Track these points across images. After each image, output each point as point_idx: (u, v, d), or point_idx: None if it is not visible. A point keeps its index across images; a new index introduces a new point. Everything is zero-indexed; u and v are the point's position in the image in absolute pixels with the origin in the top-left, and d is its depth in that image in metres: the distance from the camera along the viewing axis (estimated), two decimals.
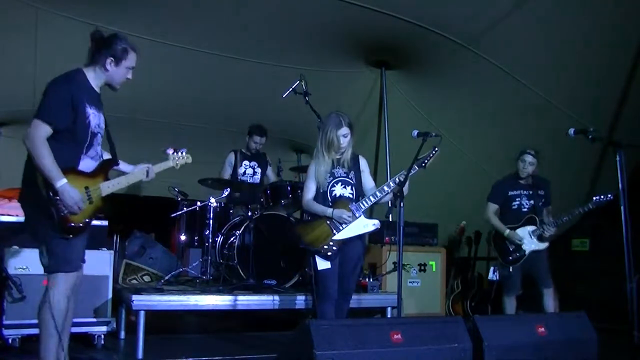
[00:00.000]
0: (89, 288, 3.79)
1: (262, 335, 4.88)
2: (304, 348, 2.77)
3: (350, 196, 3.65)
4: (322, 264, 3.53)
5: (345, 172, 3.68)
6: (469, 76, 5.74)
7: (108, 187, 2.88)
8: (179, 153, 3.28)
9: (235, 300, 4.23)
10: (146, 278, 5.42)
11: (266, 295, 4.36)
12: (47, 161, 2.61)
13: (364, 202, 3.60)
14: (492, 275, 4.82)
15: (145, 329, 3.83)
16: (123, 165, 3.11)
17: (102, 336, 4.09)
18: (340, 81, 6.08)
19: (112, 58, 2.85)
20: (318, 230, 3.58)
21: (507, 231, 4.61)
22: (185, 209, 5.20)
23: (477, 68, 5.47)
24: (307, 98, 4.54)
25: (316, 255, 3.54)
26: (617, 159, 3.33)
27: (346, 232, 3.58)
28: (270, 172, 5.70)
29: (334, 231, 3.56)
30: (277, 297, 4.36)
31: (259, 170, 5.59)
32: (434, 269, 5.73)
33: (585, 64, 5.20)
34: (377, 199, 3.59)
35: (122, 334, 4.45)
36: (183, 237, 5.37)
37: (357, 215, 3.58)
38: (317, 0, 4.76)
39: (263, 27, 5.17)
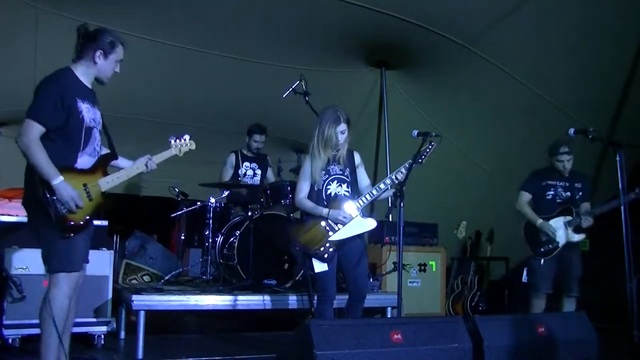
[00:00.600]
0: (89, 288, 3.78)
1: (262, 335, 4.89)
2: (304, 348, 2.77)
3: (346, 194, 3.56)
4: (319, 267, 3.45)
5: (340, 170, 3.59)
6: (469, 76, 5.74)
7: (107, 182, 2.87)
8: (181, 140, 3.26)
9: (235, 300, 4.23)
10: (146, 278, 5.42)
11: (266, 295, 4.36)
12: (41, 160, 2.61)
13: (360, 201, 3.52)
14: (526, 277, 4.42)
15: (145, 329, 3.83)
16: (122, 161, 3.10)
17: (102, 336, 4.09)
18: (340, 81, 6.08)
19: (101, 51, 2.84)
20: (313, 231, 3.49)
21: (540, 221, 4.35)
22: (185, 209, 5.20)
23: (477, 68, 5.47)
24: (307, 98, 4.54)
25: (313, 258, 3.45)
26: (617, 159, 3.33)
27: (343, 233, 3.49)
28: (270, 173, 5.69)
29: (330, 232, 3.48)
30: (277, 297, 4.36)
31: (259, 171, 5.58)
32: (434, 269, 5.72)
33: (586, 64, 5.20)
34: (373, 197, 3.51)
35: (122, 334, 4.44)
36: (183, 237, 5.37)
37: (353, 214, 3.50)
38: (317, 0, 4.76)
39: (263, 27, 5.17)
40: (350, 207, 3.51)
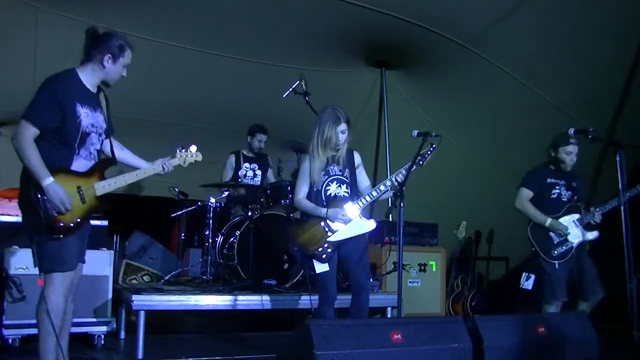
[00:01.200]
0: (89, 288, 3.80)
1: (262, 335, 4.89)
2: (304, 348, 2.77)
3: (346, 195, 3.55)
4: (320, 267, 3.43)
5: (340, 170, 3.57)
6: (469, 76, 5.74)
7: (104, 186, 2.85)
8: (187, 151, 3.24)
9: (235, 300, 4.23)
10: (146, 278, 5.43)
11: (266, 295, 4.36)
12: (34, 161, 2.61)
13: (360, 201, 3.50)
14: (526, 282, 4.10)
15: (145, 329, 3.83)
16: (137, 161, 3.09)
17: (102, 336, 4.09)
18: (340, 81, 6.08)
19: (110, 55, 2.84)
20: (312, 231, 3.47)
21: (549, 220, 4.01)
22: (185, 209, 5.20)
23: (477, 68, 5.47)
24: (307, 98, 4.54)
25: (313, 259, 3.44)
26: (617, 159, 3.33)
27: (342, 233, 3.48)
28: (270, 174, 5.68)
29: (329, 233, 3.46)
30: (277, 297, 4.36)
31: (259, 172, 5.56)
32: (434, 269, 5.72)
33: (585, 64, 5.20)
34: (373, 198, 3.50)
35: (122, 334, 4.45)
36: (183, 237, 5.37)
37: (353, 216, 3.48)
38: (317, 0, 4.76)
39: (263, 27, 5.17)
40: (350, 208, 3.49)
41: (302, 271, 4.77)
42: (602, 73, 5.26)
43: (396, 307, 3.59)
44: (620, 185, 3.28)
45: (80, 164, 2.81)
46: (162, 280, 4.87)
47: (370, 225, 3.54)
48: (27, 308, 3.72)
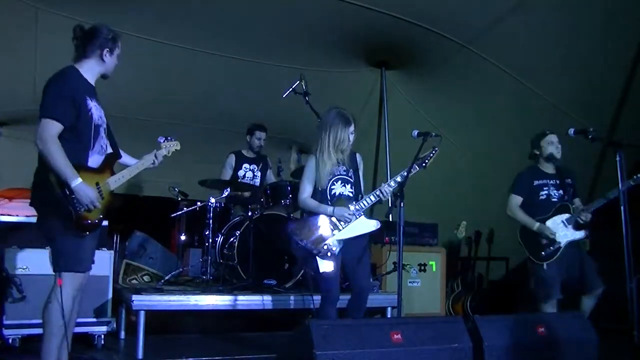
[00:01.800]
0: (89, 288, 3.73)
1: (262, 335, 4.89)
2: (304, 348, 2.77)
3: (350, 194, 3.59)
4: (325, 266, 3.44)
5: (345, 170, 3.61)
6: (469, 76, 5.74)
7: (115, 181, 2.91)
8: (169, 141, 3.33)
9: (235, 300, 4.23)
10: (146, 278, 5.43)
11: (266, 295, 4.36)
12: (60, 161, 2.62)
13: (364, 201, 3.53)
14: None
15: (145, 329, 3.83)
16: (127, 158, 3.15)
17: (102, 336, 4.09)
18: (340, 81, 6.08)
19: (107, 49, 2.89)
20: (317, 229, 3.49)
21: (537, 224, 4.10)
22: (185, 209, 5.20)
23: (477, 68, 5.47)
24: (307, 98, 4.54)
25: (317, 257, 3.45)
26: (617, 159, 3.33)
27: (346, 232, 3.50)
28: (270, 174, 5.68)
29: (334, 230, 3.49)
30: (277, 297, 4.36)
31: (259, 173, 5.56)
32: (434, 269, 5.72)
33: (586, 64, 5.20)
34: (377, 199, 3.52)
35: (122, 334, 4.45)
36: (183, 237, 5.37)
37: (357, 214, 3.51)
38: (317, 0, 4.76)
39: (263, 27, 5.17)
40: (355, 208, 3.53)
41: (303, 271, 4.78)
42: (602, 73, 5.26)
43: (396, 307, 3.60)
44: (620, 185, 3.28)
45: (94, 159, 2.84)
46: (162, 280, 4.87)
47: (375, 225, 3.58)
48: (27, 308, 3.73)
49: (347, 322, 3.22)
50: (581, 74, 5.30)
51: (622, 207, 3.26)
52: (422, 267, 5.67)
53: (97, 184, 2.79)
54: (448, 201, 6.88)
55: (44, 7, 4.69)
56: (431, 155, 3.54)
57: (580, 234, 4.11)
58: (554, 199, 4.18)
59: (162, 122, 6.46)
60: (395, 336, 2.93)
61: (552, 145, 4.20)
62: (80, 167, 2.73)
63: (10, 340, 3.77)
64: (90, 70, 2.89)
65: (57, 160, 2.61)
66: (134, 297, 3.86)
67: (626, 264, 3.17)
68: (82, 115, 2.75)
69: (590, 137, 3.58)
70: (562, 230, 4.09)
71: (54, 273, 2.76)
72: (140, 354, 3.77)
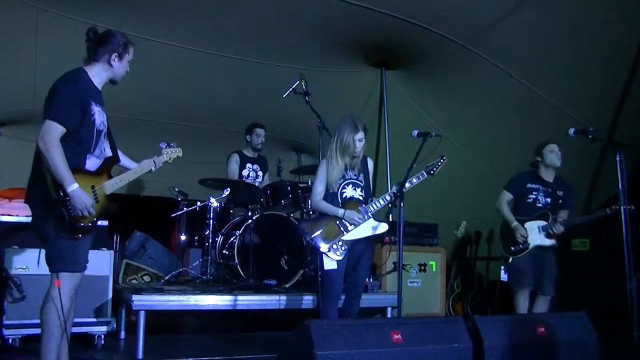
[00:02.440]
0: (89, 288, 3.79)
1: (262, 335, 4.88)
2: (304, 348, 2.77)
3: (360, 198, 3.68)
4: (329, 264, 3.54)
5: (355, 175, 3.71)
6: (469, 76, 5.74)
7: (112, 185, 2.91)
8: (171, 147, 3.34)
9: (235, 300, 4.22)
10: (146, 278, 5.42)
11: (266, 295, 4.36)
12: (60, 164, 2.61)
13: (373, 204, 3.62)
14: (504, 275, 4.73)
15: (145, 329, 3.82)
16: (127, 162, 3.15)
17: (102, 336, 4.09)
18: (340, 81, 6.08)
19: (116, 54, 2.90)
20: (327, 229, 3.59)
21: (515, 223, 4.46)
22: (185, 209, 5.19)
23: (478, 68, 5.47)
24: (307, 98, 4.54)
25: (323, 255, 3.54)
26: (617, 159, 3.34)
27: (355, 233, 3.60)
28: (267, 177, 5.68)
29: (343, 231, 3.58)
30: (277, 297, 4.35)
31: (260, 173, 5.58)
32: (434, 269, 5.73)
33: (586, 64, 5.20)
34: (386, 202, 3.60)
35: (122, 334, 4.44)
36: (183, 237, 5.37)
37: (366, 217, 3.60)
38: (317, 0, 4.76)
39: (263, 27, 5.17)
40: (364, 211, 3.62)
41: (303, 271, 4.78)
42: (602, 73, 5.26)
43: (396, 307, 3.63)
44: (620, 186, 3.28)
45: (92, 162, 2.84)
46: (162, 280, 4.87)
47: (383, 227, 3.66)
48: (27, 308, 3.72)
49: (347, 322, 3.23)
50: (581, 74, 5.30)
51: (622, 207, 3.26)
52: (422, 267, 5.67)
53: (92, 186, 2.79)
54: (448, 201, 6.88)
55: (44, 7, 4.69)
56: (439, 163, 3.66)
57: (549, 242, 4.44)
58: (539, 205, 4.50)
59: (162, 122, 6.47)
60: (395, 336, 2.93)
61: (553, 153, 4.47)
62: (78, 169, 2.73)
63: (10, 340, 3.77)
64: (98, 74, 2.90)
65: (57, 163, 2.61)
66: (134, 297, 3.85)
67: (626, 264, 3.18)
68: (86, 120, 2.76)
69: (590, 137, 3.59)
70: (535, 234, 4.43)
71: (50, 273, 2.76)
72: (140, 354, 3.77)
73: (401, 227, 3.34)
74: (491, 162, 6.54)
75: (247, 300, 4.27)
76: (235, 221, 5.08)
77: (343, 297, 3.74)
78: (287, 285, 4.70)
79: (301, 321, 2.90)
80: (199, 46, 5.40)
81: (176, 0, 4.80)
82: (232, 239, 4.85)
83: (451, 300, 6.12)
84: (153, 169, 3.19)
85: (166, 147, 3.32)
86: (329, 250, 3.54)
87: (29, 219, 2.88)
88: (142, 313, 3.85)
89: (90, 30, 2.90)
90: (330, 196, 3.66)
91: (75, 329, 3.40)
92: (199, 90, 6.10)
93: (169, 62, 5.54)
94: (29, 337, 3.74)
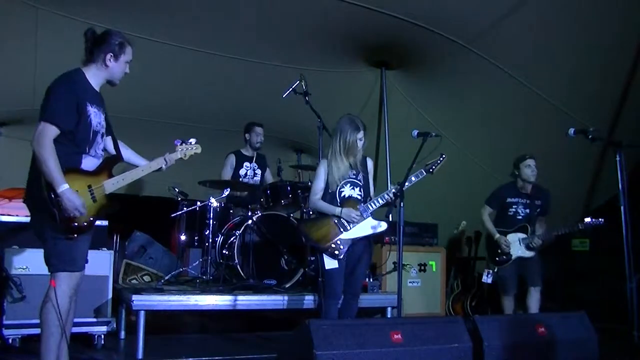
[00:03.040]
0: (89, 288, 3.79)
1: (262, 335, 4.88)
2: (304, 348, 2.77)
3: (359, 197, 3.69)
4: (330, 263, 3.56)
5: (354, 174, 3.71)
6: (469, 76, 5.74)
7: (112, 184, 2.89)
8: (187, 143, 3.30)
9: (235, 300, 4.23)
10: (146, 278, 5.43)
11: (266, 295, 4.36)
12: (51, 166, 2.61)
13: (372, 203, 3.62)
14: (486, 277, 4.88)
15: (145, 329, 3.83)
16: (137, 159, 3.13)
17: (102, 336, 4.09)
18: (340, 81, 6.08)
19: (111, 54, 2.87)
20: (325, 228, 3.61)
21: (497, 235, 4.80)
22: (185, 209, 5.19)
23: (477, 68, 5.47)
24: (307, 98, 4.54)
25: (324, 254, 3.56)
26: (617, 159, 3.33)
27: (353, 232, 3.61)
28: (268, 174, 5.69)
29: (341, 230, 3.59)
30: (277, 297, 4.36)
31: (259, 172, 5.58)
32: (434, 269, 5.73)
33: (585, 64, 5.20)
34: (385, 201, 3.60)
35: (122, 334, 4.45)
36: (183, 237, 5.37)
37: (364, 216, 3.61)
38: (317, 0, 4.76)
39: (263, 27, 5.16)
40: (362, 209, 3.63)
41: (303, 271, 4.78)
42: (602, 73, 5.26)
43: (396, 307, 3.64)
44: (620, 186, 3.27)
45: (88, 162, 2.83)
46: (162, 280, 4.86)
47: (382, 226, 3.67)
48: (27, 308, 3.72)
49: (347, 322, 3.23)
50: (581, 74, 5.30)
51: (622, 207, 3.25)
52: (422, 267, 5.67)
53: (89, 186, 2.78)
54: (448, 201, 6.88)
55: (44, 7, 4.69)
56: (439, 161, 3.65)
57: (529, 254, 4.77)
58: (519, 217, 4.84)
59: (162, 122, 6.47)
60: (395, 336, 2.93)
61: (528, 168, 4.78)
62: (73, 169, 2.73)
63: (10, 340, 3.77)
64: (95, 75, 2.88)
65: (49, 164, 2.61)
66: (134, 297, 3.86)
67: (626, 264, 3.17)
68: (82, 121, 2.75)
69: (590, 137, 3.58)
70: (516, 246, 4.78)
71: (48, 273, 2.76)
72: (140, 354, 3.77)
73: (401, 227, 3.34)
74: (491, 162, 6.53)
75: (247, 300, 4.27)
76: (235, 221, 5.08)
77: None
78: (287, 285, 4.71)
79: (301, 321, 2.90)
80: (199, 46, 5.39)
81: (177, 0, 4.80)
82: (232, 239, 4.85)
83: (451, 300, 6.12)
84: (164, 166, 3.15)
85: (181, 144, 3.27)
86: (329, 250, 3.55)
87: (29, 219, 2.88)
88: (142, 313, 3.85)
89: (88, 31, 2.89)
90: (330, 196, 3.67)
91: (75, 329, 3.39)
92: (199, 90, 6.10)
93: (169, 62, 5.53)
94: (29, 337, 3.75)
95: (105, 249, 4.23)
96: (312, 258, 4.63)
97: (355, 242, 3.63)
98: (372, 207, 3.62)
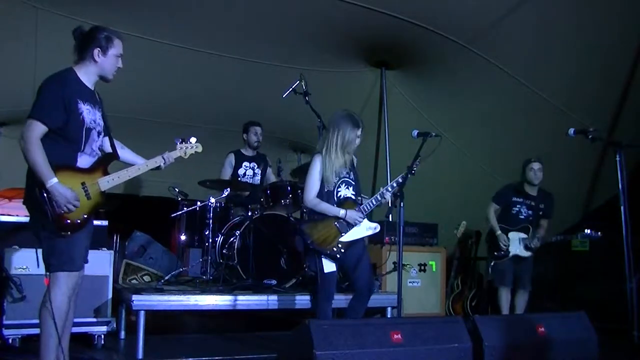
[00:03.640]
0: (89, 288, 3.79)
1: (262, 335, 4.88)
2: (304, 348, 2.77)
3: (353, 197, 3.67)
4: (329, 267, 3.53)
5: (347, 173, 3.68)
6: (469, 76, 5.74)
7: (107, 182, 2.87)
8: (187, 142, 3.28)
9: (235, 300, 4.22)
10: (146, 278, 5.43)
11: (266, 295, 4.36)
12: (39, 160, 2.61)
13: (368, 205, 3.61)
14: (489, 275, 5.17)
15: (145, 329, 3.83)
16: (134, 158, 3.12)
17: (102, 336, 4.09)
18: (340, 81, 6.08)
19: (98, 49, 2.85)
20: (326, 230, 3.57)
21: (498, 232, 5.01)
22: (185, 209, 5.19)
23: (477, 68, 5.47)
24: (307, 98, 4.54)
25: (323, 257, 3.53)
26: (617, 159, 3.33)
27: (352, 234, 3.60)
28: (270, 173, 5.68)
29: (342, 232, 3.57)
30: (277, 297, 4.36)
31: (259, 171, 5.57)
32: (434, 269, 5.72)
33: (585, 64, 5.20)
34: (378, 202, 3.60)
35: (122, 334, 4.45)
36: (183, 237, 5.37)
37: (364, 217, 3.62)
38: (317, 0, 4.76)
39: (263, 27, 5.17)
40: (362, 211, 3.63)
41: (303, 271, 4.78)
42: (602, 73, 5.25)
43: (396, 307, 3.63)
44: (620, 186, 3.27)
45: (84, 160, 2.83)
46: (162, 280, 4.86)
47: (376, 227, 3.68)
48: (27, 308, 3.72)
49: (347, 322, 3.23)
50: (581, 74, 5.30)
51: (622, 207, 3.25)
52: (422, 267, 5.66)
53: (83, 183, 2.77)
54: (448, 201, 6.88)
55: (44, 7, 4.69)
56: (417, 163, 3.51)
57: (526, 254, 5.00)
58: (521, 217, 5.06)
59: (161, 122, 6.47)
60: (395, 336, 2.93)
61: (532, 171, 4.99)
62: (67, 166, 2.73)
63: (10, 340, 3.77)
64: (86, 72, 2.87)
65: (36, 160, 2.61)
66: (134, 297, 3.86)
67: (626, 264, 3.17)
68: (73, 119, 2.74)
69: (590, 137, 3.57)
70: (515, 244, 5.01)
71: (46, 273, 2.75)
72: (140, 354, 3.77)
73: (401, 227, 3.34)
74: (491, 162, 6.53)
75: (247, 300, 4.27)
76: (235, 221, 5.08)
77: (341, 297, 3.73)
78: (286, 285, 4.70)
79: (301, 321, 2.90)
80: (199, 46, 5.40)
81: (177, 0, 4.80)
82: (232, 239, 4.85)
83: (451, 300, 6.12)
84: (162, 165, 3.14)
85: (181, 143, 3.25)
86: (329, 253, 3.53)
87: (28, 219, 2.87)
88: (142, 313, 3.85)
89: (75, 30, 2.88)
90: (326, 195, 3.61)
91: (75, 329, 3.39)
92: (199, 90, 6.10)
93: (168, 62, 5.54)
94: (29, 337, 3.74)
95: (105, 248, 4.23)
96: (308, 263, 4.60)
97: (352, 244, 3.61)
98: (367, 208, 3.61)
